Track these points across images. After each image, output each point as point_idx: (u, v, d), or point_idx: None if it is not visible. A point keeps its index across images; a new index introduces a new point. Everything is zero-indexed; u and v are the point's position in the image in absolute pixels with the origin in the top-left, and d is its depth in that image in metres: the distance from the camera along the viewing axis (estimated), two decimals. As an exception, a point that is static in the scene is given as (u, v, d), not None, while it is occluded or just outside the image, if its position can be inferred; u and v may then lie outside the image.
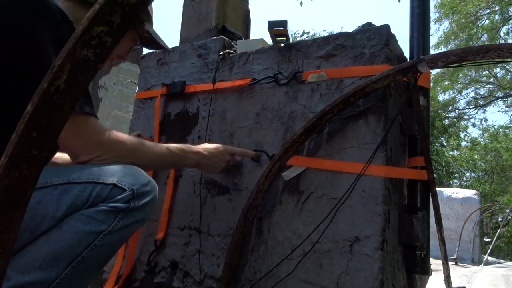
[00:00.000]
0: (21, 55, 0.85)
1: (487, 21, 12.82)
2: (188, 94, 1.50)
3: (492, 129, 16.41)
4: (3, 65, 0.85)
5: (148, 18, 1.17)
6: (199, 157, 1.17)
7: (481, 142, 16.58)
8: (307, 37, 16.75)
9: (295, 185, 1.17)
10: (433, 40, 13.94)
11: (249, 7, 1.84)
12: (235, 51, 1.47)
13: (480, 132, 16.90)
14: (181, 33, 1.75)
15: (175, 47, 1.62)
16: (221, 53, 1.45)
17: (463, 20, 12.88)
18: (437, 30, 13.98)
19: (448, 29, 13.57)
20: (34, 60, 0.84)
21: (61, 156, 1.19)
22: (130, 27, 1.11)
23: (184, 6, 1.78)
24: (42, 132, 0.37)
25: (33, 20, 0.85)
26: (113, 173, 0.88)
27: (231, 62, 1.42)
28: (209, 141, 1.39)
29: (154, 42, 1.21)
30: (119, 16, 0.36)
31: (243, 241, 1.19)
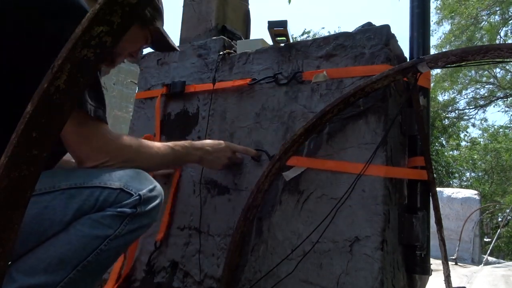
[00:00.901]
0: (29, 55, 0.85)
1: (486, 23, 12.83)
2: (188, 94, 1.50)
3: (492, 129, 16.42)
4: (3, 65, 0.85)
5: (160, 17, 1.14)
6: (202, 152, 1.18)
7: (481, 142, 16.58)
8: (307, 36, 16.80)
9: (295, 185, 1.17)
10: (433, 41, 13.97)
11: (249, 7, 1.84)
12: (235, 51, 1.47)
13: (480, 132, 16.91)
14: (181, 33, 1.75)
15: (175, 47, 1.62)
16: (221, 53, 1.45)
17: (463, 22, 12.90)
18: (436, 31, 13.99)
19: (448, 31, 13.59)
20: (44, 61, 0.84)
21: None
22: (143, 25, 1.09)
23: (184, 6, 1.78)
24: (42, 132, 0.37)
25: (45, 19, 0.84)
26: (120, 178, 0.88)
27: (231, 62, 1.42)
28: (209, 141, 1.40)
29: (164, 42, 1.19)
30: (119, 16, 0.36)
31: (243, 241, 1.19)
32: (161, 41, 1.18)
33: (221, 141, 1.23)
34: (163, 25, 1.18)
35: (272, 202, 1.20)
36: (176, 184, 1.43)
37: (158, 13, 1.13)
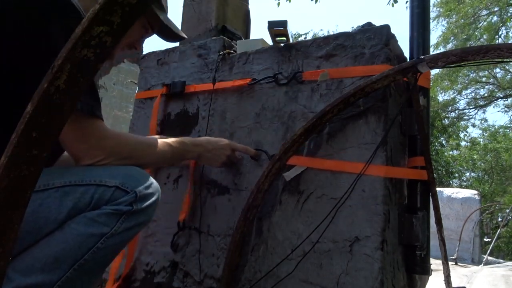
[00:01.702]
0: (29, 55, 0.85)
1: (485, 23, 12.84)
2: (188, 94, 1.50)
3: (493, 129, 16.42)
4: (3, 65, 0.85)
5: (159, 4, 1.09)
6: (201, 149, 1.17)
7: (481, 142, 16.58)
8: (305, 37, 16.80)
9: (295, 185, 1.17)
10: (432, 39, 13.96)
11: (249, 7, 1.84)
12: (235, 51, 1.47)
13: (481, 132, 16.90)
14: (181, 33, 1.75)
15: (175, 47, 1.63)
16: (221, 53, 1.45)
17: (462, 21, 12.90)
18: (435, 29, 13.97)
19: (446, 29, 13.59)
20: (44, 61, 0.83)
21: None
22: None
23: (184, 6, 1.79)
24: (42, 132, 0.37)
25: (45, 19, 0.84)
26: (116, 175, 0.88)
27: (231, 62, 1.42)
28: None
29: (168, 30, 1.13)
30: (119, 16, 0.36)
31: (243, 241, 1.19)
32: (163, 29, 1.12)
33: (222, 139, 1.23)
34: (165, 12, 1.12)
35: (272, 202, 1.20)
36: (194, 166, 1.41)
37: (157, 0, 1.07)
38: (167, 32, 1.15)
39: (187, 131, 1.48)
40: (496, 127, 16.46)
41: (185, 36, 1.22)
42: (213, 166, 1.28)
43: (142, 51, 1.21)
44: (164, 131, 1.54)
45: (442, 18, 13.73)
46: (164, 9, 1.12)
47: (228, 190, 1.31)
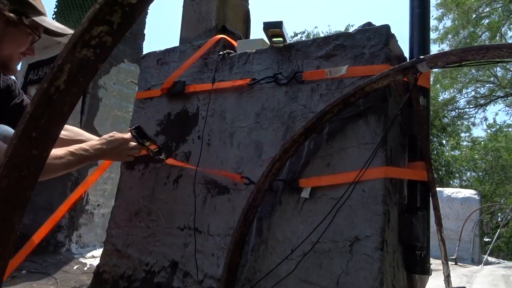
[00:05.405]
0: None
1: (487, 20, 12.84)
2: (188, 94, 1.50)
3: (497, 127, 16.41)
4: None
5: (32, 8, 1.16)
6: (100, 152, 1.31)
7: (484, 141, 16.56)
8: (301, 37, 16.82)
9: (295, 185, 1.17)
10: (433, 36, 13.91)
11: (249, 7, 1.84)
12: (235, 51, 1.47)
13: (485, 128, 16.86)
14: (181, 33, 1.75)
15: (175, 47, 1.62)
16: (221, 53, 1.45)
17: (465, 18, 12.88)
18: (443, 28, 13.93)
19: (451, 23, 13.56)
20: None
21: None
22: (15, 25, 1.10)
23: (184, 6, 1.79)
24: (42, 132, 0.37)
25: None
26: None
27: (231, 62, 1.42)
28: (209, 141, 1.40)
29: (49, 30, 1.23)
30: (119, 16, 0.36)
31: (243, 241, 1.19)
32: (47, 30, 1.22)
33: (116, 135, 1.35)
34: (41, 13, 1.19)
35: (272, 202, 1.20)
36: None
37: (27, 6, 1.14)
38: (50, 32, 1.24)
39: (187, 131, 1.48)
40: (500, 125, 16.42)
41: (62, 33, 1.28)
42: (121, 161, 1.41)
43: (33, 48, 1.28)
44: (164, 131, 1.54)
45: (446, 15, 13.69)
46: (41, 13, 1.20)
47: (228, 190, 1.31)
